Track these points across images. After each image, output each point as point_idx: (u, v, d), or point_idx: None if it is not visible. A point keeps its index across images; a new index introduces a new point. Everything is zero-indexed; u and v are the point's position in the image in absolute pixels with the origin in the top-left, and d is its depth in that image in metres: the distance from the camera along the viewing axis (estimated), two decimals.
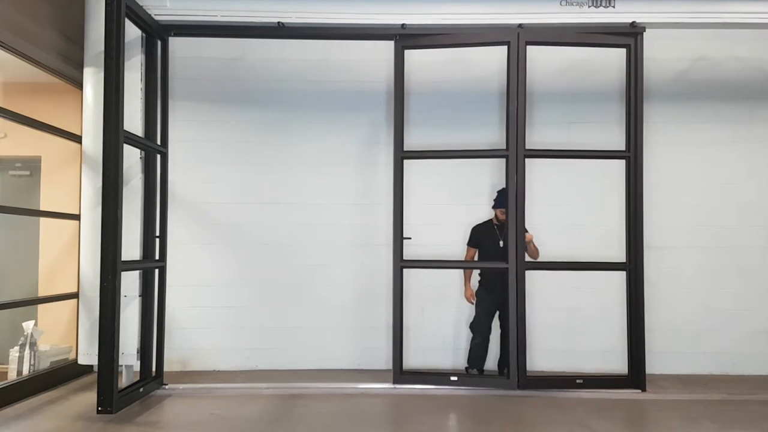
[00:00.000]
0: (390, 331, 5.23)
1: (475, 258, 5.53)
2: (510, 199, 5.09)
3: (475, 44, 5.38)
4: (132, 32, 4.79)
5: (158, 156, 5.09)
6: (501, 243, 5.30)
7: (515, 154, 5.07)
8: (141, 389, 4.72)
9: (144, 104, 4.97)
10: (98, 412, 4.20)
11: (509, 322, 5.08)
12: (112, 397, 4.19)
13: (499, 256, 5.23)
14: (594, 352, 5.65)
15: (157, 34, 5.04)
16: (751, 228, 5.82)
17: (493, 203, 5.48)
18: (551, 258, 5.57)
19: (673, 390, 5.12)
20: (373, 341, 5.74)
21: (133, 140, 4.67)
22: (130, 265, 4.91)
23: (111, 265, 4.26)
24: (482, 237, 5.46)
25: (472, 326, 5.46)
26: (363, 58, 5.84)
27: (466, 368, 5.49)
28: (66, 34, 5.13)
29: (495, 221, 5.45)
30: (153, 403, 4.67)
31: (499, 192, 5.40)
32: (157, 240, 5.05)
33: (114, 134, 4.30)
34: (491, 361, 5.52)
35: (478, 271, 5.58)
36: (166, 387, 5.02)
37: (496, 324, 5.50)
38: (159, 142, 5.10)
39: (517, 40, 5.04)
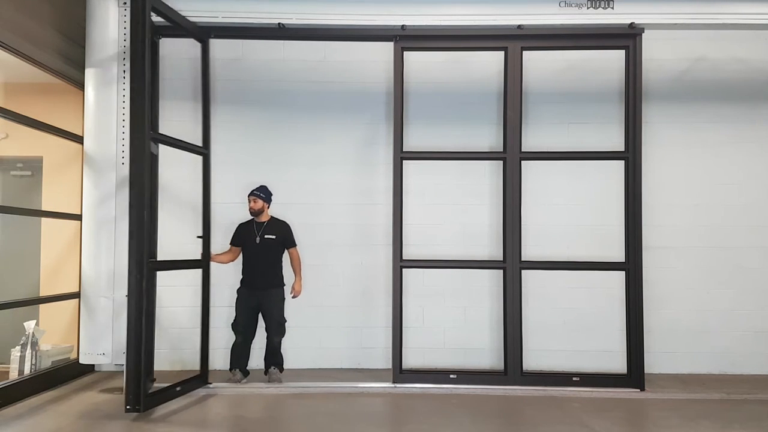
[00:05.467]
0: (389, 331, 5.26)
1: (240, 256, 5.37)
2: (507, 200, 5.19)
3: (473, 49, 5.47)
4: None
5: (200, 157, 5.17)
6: (258, 239, 5.21)
7: (512, 156, 5.17)
8: (178, 388, 4.71)
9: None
10: (126, 410, 4.25)
11: (507, 321, 5.13)
12: (140, 395, 4.22)
13: (258, 253, 5.19)
14: (593, 352, 5.66)
15: (197, 36, 5.07)
16: (750, 228, 5.84)
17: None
18: (551, 258, 5.61)
19: (672, 389, 5.14)
20: (373, 340, 5.76)
21: (167, 141, 4.77)
22: (169, 265, 5.07)
23: (137, 265, 4.28)
24: (244, 235, 5.30)
25: (233, 326, 5.25)
26: (363, 59, 5.86)
27: (230, 369, 5.25)
28: (67, 35, 5.15)
29: (255, 219, 5.31)
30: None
31: (261, 186, 5.34)
32: (201, 240, 5.09)
33: (139, 134, 4.33)
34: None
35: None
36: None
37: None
38: (201, 144, 5.13)
39: (514, 45, 5.14)
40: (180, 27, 4.91)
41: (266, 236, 5.26)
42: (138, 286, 4.26)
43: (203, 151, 5.13)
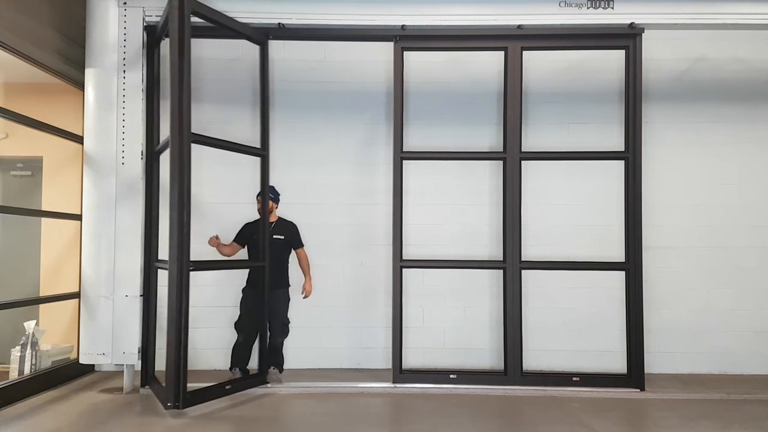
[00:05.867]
0: (389, 331, 5.26)
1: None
2: (507, 200, 5.19)
3: (472, 49, 5.48)
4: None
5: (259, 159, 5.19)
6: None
7: (512, 156, 5.18)
8: (228, 386, 4.77)
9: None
10: (166, 408, 4.30)
11: (507, 321, 5.14)
12: (179, 393, 4.27)
13: (264, 253, 5.17)
14: (593, 352, 5.67)
15: (255, 39, 5.08)
16: (750, 228, 5.84)
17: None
18: (551, 258, 5.61)
19: (672, 389, 5.14)
20: (373, 340, 5.77)
21: (219, 144, 4.85)
22: (208, 265, 5.20)
23: (179, 265, 4.30)
24: (251, 235, 5.28)
25: (236, 325, 5.26)
26: (363, 59, 5.86)
27: (230, 367, 5.28)
28: (67, 35, 5.15)
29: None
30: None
31: (269, 186, 5.32)
32: (258, 241, 5.12)
33: (178, 136, 4.34)
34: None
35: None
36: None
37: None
38: (260, 145, 5.15)
39: (514, 45, 5.15)
40: (233, 30, 4.90)
41: (275, 236, 5.28)
42: (179, 285, 4.29)
43: (261, 152, 5.14)
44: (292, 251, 5.45)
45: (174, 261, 4.28)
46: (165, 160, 5.14)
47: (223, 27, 4.82)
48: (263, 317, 5.12)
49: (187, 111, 4.37)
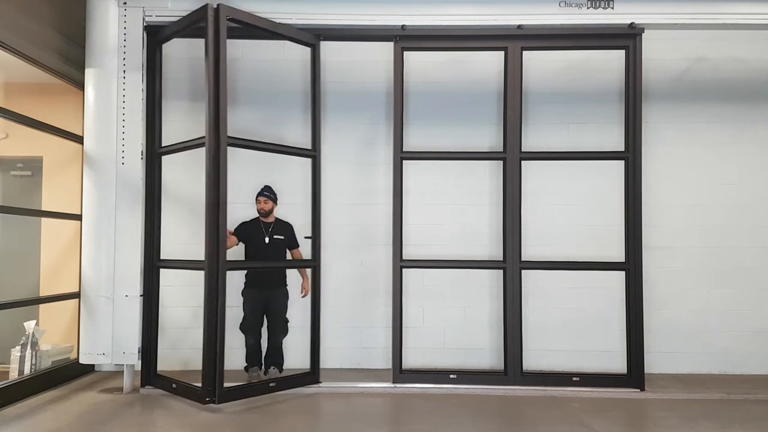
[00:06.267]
0: (389, 331, 5.26)
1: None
2: (507, 200, 5.19)
3: (472, 49, 5.48)
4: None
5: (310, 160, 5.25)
6: (267, 239, 5.26)
7: (512, 156, 5.18)
8: (272, 384, 4.87)
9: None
10: (205, 402, 4.46)
11: (507, 321, 5.14)
12: (215, 388, 4.46)
13: (265, 253, 5.22)
14: (593, 352, 5.66)
15: (306, 41, 5.11)
16: (750, 228, 5.84)
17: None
18: (551, 258, 5.61)
19: (672, 389, 5.14)
20: (373, 340, 5.76)
21: (263, 147, 4.98)
22: (240, 264, 5.27)
23: (215, 266, 4.49)
24: (249, 234, 5.31)
25: (242, 327, 5.28)
26: (363, 59, 5.86)
27: (245, 368, 5.31)
28: (67, 35, 5.15)
29: (261, 219, 5.34)
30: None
31: (264, 186, 5.37)
32: (311, 241, 5.17)
33: (214, 138, 4.53)
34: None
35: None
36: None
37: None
38: (311, 147, 5.20)
39: (514, 45, 5.15)
40: (279, 35, 4.98)
41: (275, 237, 5.33)
42: (215, 285, 4.48)
43: (312, 153, 5.16)
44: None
45: (210, 261, 4.48)
46: (167, 161, 5.21)
47: (265, 31, 4.91)
48: (274, 316, 5.27)
49: (223, 115, 4.56)
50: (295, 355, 5.58)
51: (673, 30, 5.43)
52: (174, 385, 4.81)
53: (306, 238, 5.30)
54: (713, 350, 5.76)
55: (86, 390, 5.02)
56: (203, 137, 4.58)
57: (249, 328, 5.26)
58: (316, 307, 5.15)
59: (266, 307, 5.29)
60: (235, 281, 5.27)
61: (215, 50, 4.56)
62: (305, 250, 5.41)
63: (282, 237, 5.37)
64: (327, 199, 5.84)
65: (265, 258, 5.25)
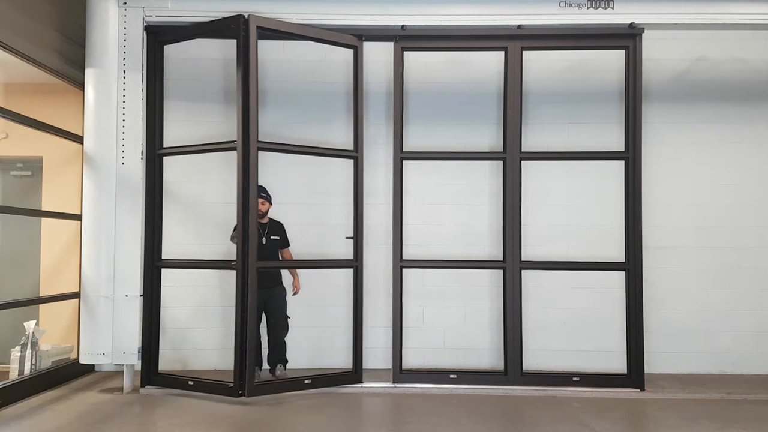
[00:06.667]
0: (389, 331, 5.26)
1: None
2: (507, 200, 5.19)
3: (473, 49, 5.49)
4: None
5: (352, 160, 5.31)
6: (264, 240, 5.29)
7: (512, 156, 5.18)
8: (307, 381, 4.97)
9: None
10: (237, 395, 4.64)
11: (507, 321, 5.14)
12: (245, 383, 4.67)
13: (265, 253, 5.20)
14: (593, 352, 5.66)
15: (349, 44, 5.14)
16: (750, 228, 5.84)
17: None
18: (551, 258, 5.61)
19: (672, 389, 5.14)
20: (373, 340, 5.76)
21: (287, 149, 5.10)
22: (274, 264, 5.40)
23: (245, 266, 4.70)
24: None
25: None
26: (363, 59, 5.83)
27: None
28: (67, 35, 5.15)
29: (258, 219, 5.23)
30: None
31: (259, 186, 5.27)
32: (353, 241, 5.20)
33: (248, 142, 4.73)
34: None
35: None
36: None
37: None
38: (353, 148, 5.25)
39: (514, 45, 5.15)
40: (313, 39, 5.07)
41: (272, 237, 5.39)
42: (245, 284, 4.70)
43: (354, 154, 5.18)
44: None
45: (241, 261, 4.69)
46: (169, 162, 5.22)
47: (303, 37, 5.06)
48: (275, 314, 5.32)
49: (254, 120, 4.74)
50: (296, 354, 5.60)
51: (673, 30, 5.44)
52: (191, 383, 4.90)
53: (347, 238, 5.32)
54: (713, 350, 5.76)
55: (86, 390, 5.02)
56: (234, 141, 4.76)
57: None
58: (358, 307, 5.17)
59: (265, 305, 5.30)
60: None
61: (245, 58, 4.74)
62: (348, 250, 5.35)
63: (277, 237, 5.43)
64: (327, 199, 5.86)
65: (264, 258, 5.24)
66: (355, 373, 5.13)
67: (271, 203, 5.42)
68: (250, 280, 4.69)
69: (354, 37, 5.14)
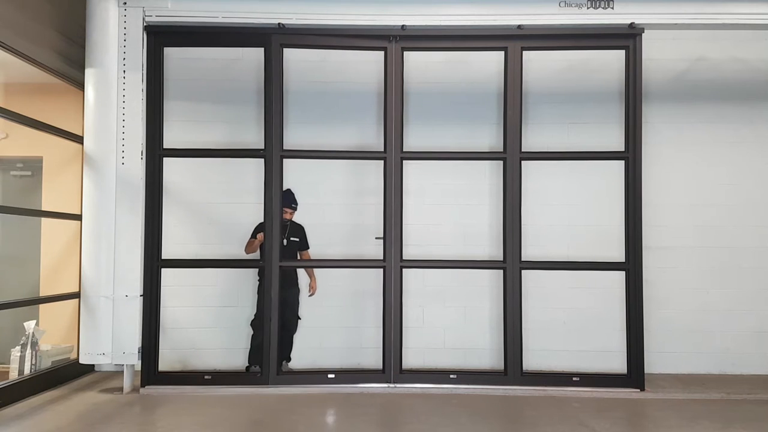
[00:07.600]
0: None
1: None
2: (507, 200, 5.19)
3: (473, 49, 5.49)
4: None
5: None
6: (285, 242, 5.34)
7: (512, 156, 5.18)
8: (330, 375, 5.15)
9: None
10: (268, 385, 4.99)
11: (507, 321, 5.14)
12: (268, 373, 5.02)
13: (285, 254, 5.27)
14: (593, 352, 5.66)
15: (378, 46, 5.20)
16: (750, 228, 5.84)
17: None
18: (551, 258, 5.61)
19: (672, 389, 5.14)
20: (373, 341, 5.75)
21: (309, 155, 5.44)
22: (302, 263, 5.63)
23: (269, 265, 5.08)
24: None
25: (254, 323, 5.43)
26: (362, 59, 5.85)
27: (247, 367, 5.42)
28: (67, 35, 5.15)
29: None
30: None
31: (284, 192, 5.34)
32: (383, 241, 5.22)
33: (272, 150, 5.09)
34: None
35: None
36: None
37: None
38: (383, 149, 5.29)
39: (514, 45, 5.16)
40: (342, 48, 5.32)
41: (292, 239, 5.49)
42: (270, 282, 5.05)
43: (383, 155, 5.22)
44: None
45: (270, 261, 5.07)
46: (170, 162, 5.22)
47: (326, 47, 5.36)
48: (293, 313, 5.51)
49: (278, 129, 5.12)
50: (298, 354, 5.60)
51: (673, 30, 5.44)
52: (207, 377, 5.08)
53: (377, 239, 5.35)
54: (713, 350, 5.76)
55: (86, 390, 5.02)
56: (262, 149, 5.14)
57: (261, 325, 5.27)
58: (388, 309, 5.18)
59: (281, 305, 5.31)
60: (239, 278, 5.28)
61: (269, 71, 5.15)
62: (378, 250, 5.34)
63: (298, 239, 5.54)
64: (327, 199, 5.86)
65: (283, 258, 5.26)
66: (383, 373, 5.17)
67: (296, 209, 5.55)
68: (274, 278, 5.04)
69: (384, 39, 5.16)
